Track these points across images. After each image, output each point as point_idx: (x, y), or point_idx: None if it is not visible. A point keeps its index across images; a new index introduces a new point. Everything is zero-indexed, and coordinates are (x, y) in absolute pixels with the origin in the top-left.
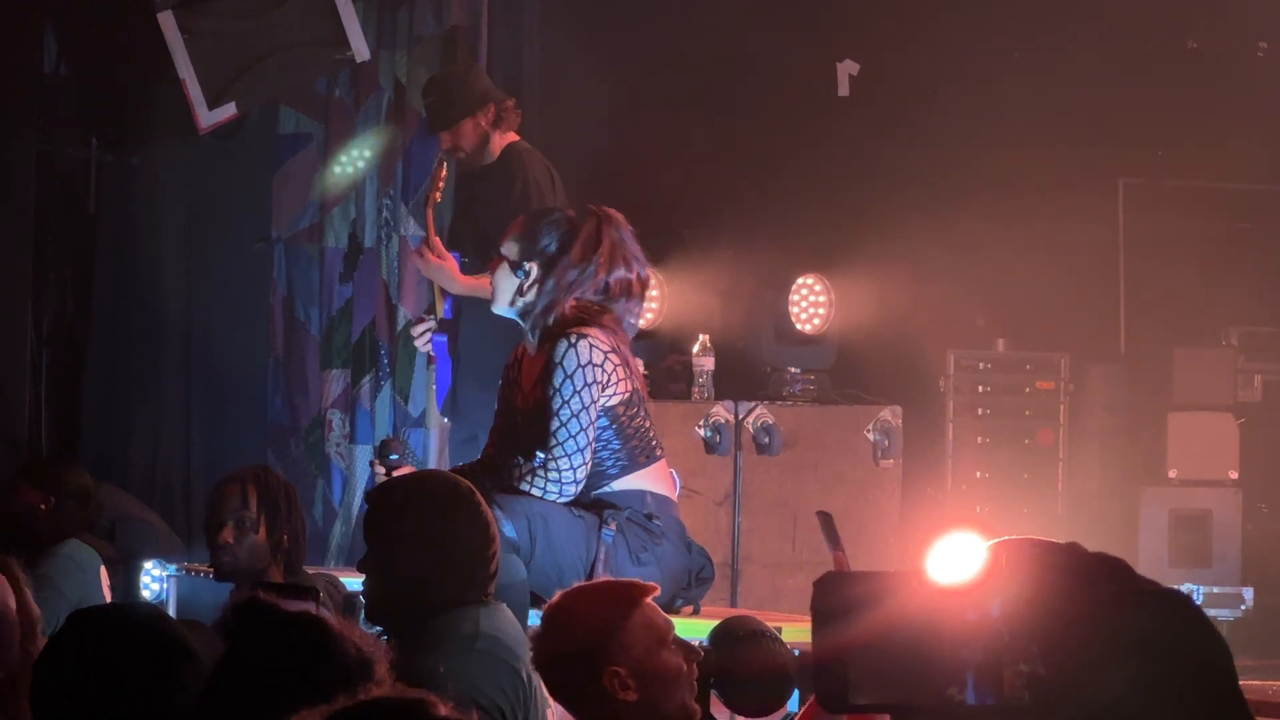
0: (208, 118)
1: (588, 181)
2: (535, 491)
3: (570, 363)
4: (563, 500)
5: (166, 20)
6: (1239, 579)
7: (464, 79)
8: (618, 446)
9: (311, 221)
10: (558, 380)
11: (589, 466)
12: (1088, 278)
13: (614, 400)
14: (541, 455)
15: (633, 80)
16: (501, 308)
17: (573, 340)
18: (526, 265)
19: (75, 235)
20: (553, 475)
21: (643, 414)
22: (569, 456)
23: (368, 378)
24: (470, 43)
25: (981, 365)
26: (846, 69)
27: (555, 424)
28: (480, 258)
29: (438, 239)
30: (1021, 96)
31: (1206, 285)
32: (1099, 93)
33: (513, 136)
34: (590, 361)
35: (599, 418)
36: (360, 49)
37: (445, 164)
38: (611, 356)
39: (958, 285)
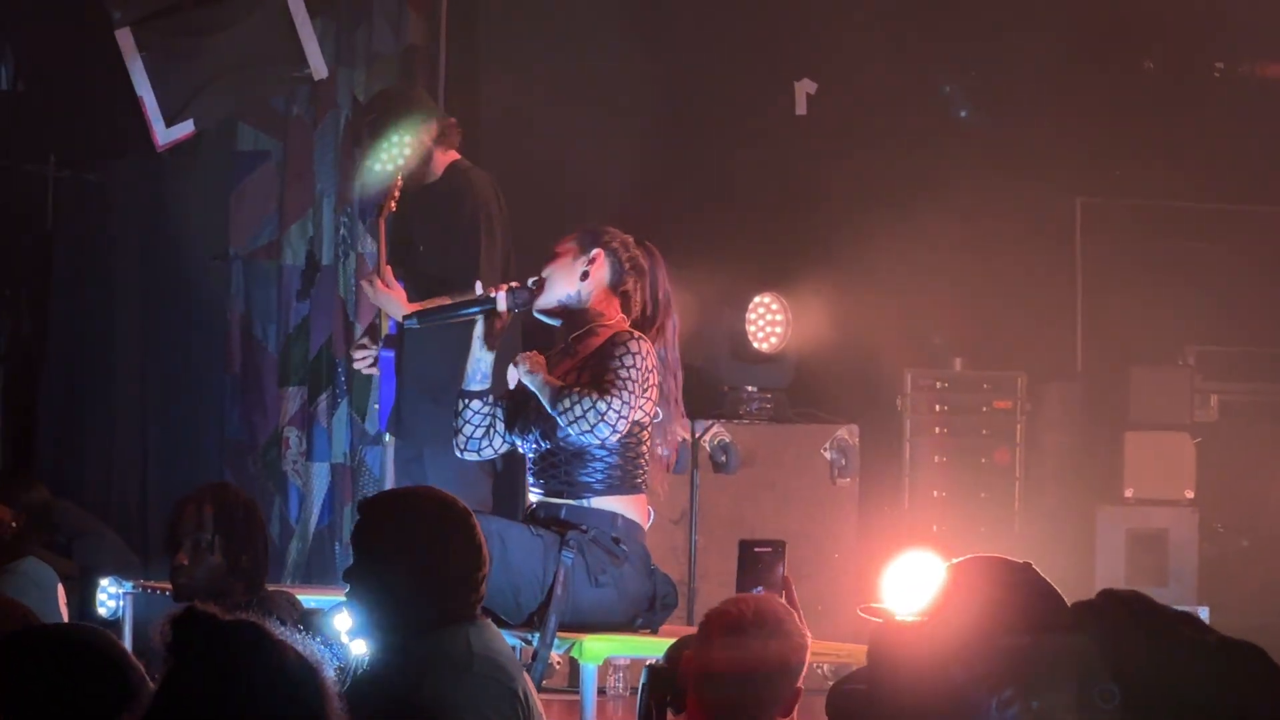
0: (165, 135)
1: (544, 201)
2: (578, 411)
3: (637, 349)
4: (595, 437)
5: (124, 37)
6: (1195, 598)
7: (406, 97)
8: (615, 462)
9: (269, 239)
10: (622, 355)
11: (627, 425)
12: (1045, 297)
13: (639, 415)
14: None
15: (590, 100)
16: (555, 297)
17: (638, 338)
18: (593, 251)
19: (32, 252)
20: (603, 408)
21: (646, 445)
22: (624, 402)
23: (325, 395)
24: (428, 62)
25: (939, 384)
26: (804, 88)
27: (617, 374)
28: (416, 276)
29: (389, 268)
30: (978, 115)
31: (1163, 305)
32: (1056, 112)
33: (454, 155)
34: (648, 364)
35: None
36: (318, 67)
37: (399, 176)
38: (652, 375)
39: (915, 304)
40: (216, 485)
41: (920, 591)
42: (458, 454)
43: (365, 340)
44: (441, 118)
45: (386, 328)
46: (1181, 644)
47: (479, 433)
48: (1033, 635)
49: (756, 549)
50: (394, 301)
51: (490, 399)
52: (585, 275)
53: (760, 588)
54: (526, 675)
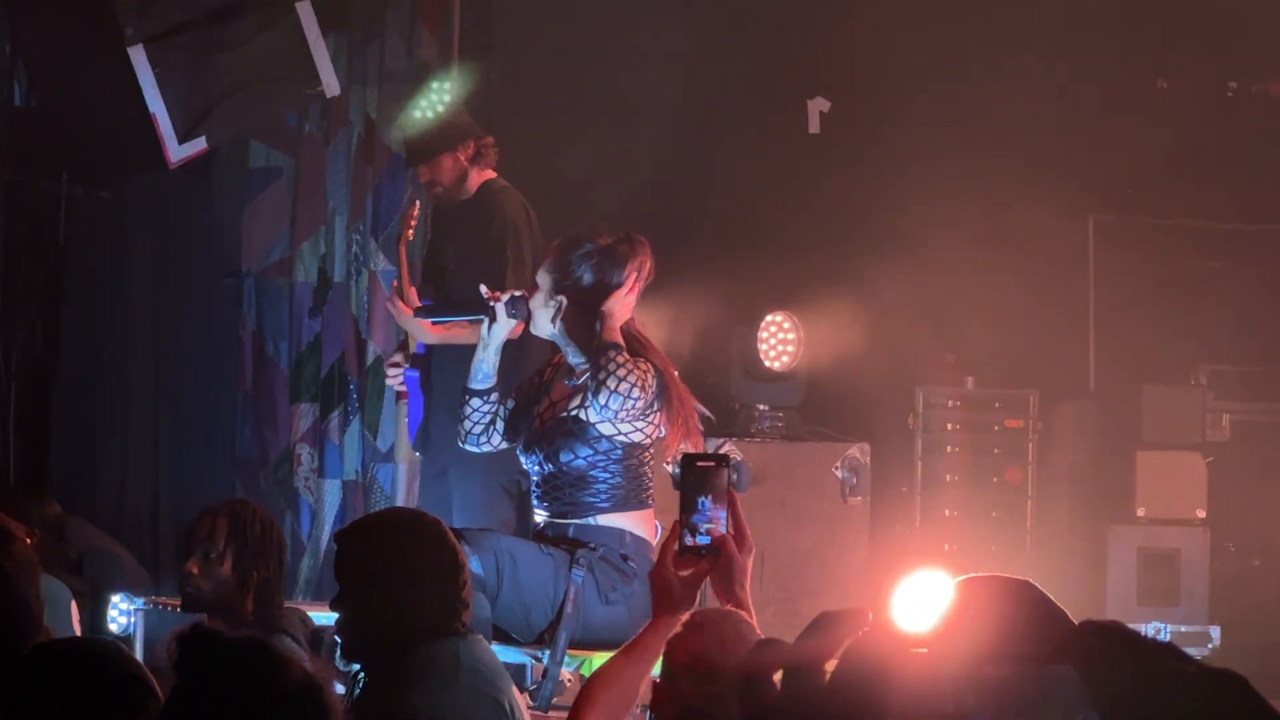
0: (178, 151)
1: (557, 217)
2: (595, 386)
3: (632, 379)
4: (603, 414)
5: (137, 54)
6: (1207, 618)
7: (447, 115)
8: (619, 481)
9: (281, 256)
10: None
11: (631, 409)
12: (1057, 315)
13: (638, 437)
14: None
15: (602, 117)
16: (541, 333)
17: (637, 367)
18: (559, 298)
19: (45, 268)
20: (614, 382)
21: (648, 466)
22: (629, 384)
23: (336, 412)
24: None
25: (950, 403)
26: (817, 106)
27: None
28: (447, 294)
29: (412, 289)
30: (992, 134)
31: (1176, 324)
32: (1070, 131)
33: (490, 174)
34: (638, 392)
35: (617, 440)
36: (331, 84)
37: (418, 202)
38: (647, 393)
39: (927, 323)
40: (236, 501)
41: (928, 611)
42: (460, 445)
43: (399, 358)
44: (479, 136)
45: (414, 347)
46: (1163, 674)
47: (478, 429)
48: (1017, 664)
49: (700, 463)
50: (416, 322)
51: (493, 398)
52: (555, 317)
53: (706, 498)
54: (515, 689)
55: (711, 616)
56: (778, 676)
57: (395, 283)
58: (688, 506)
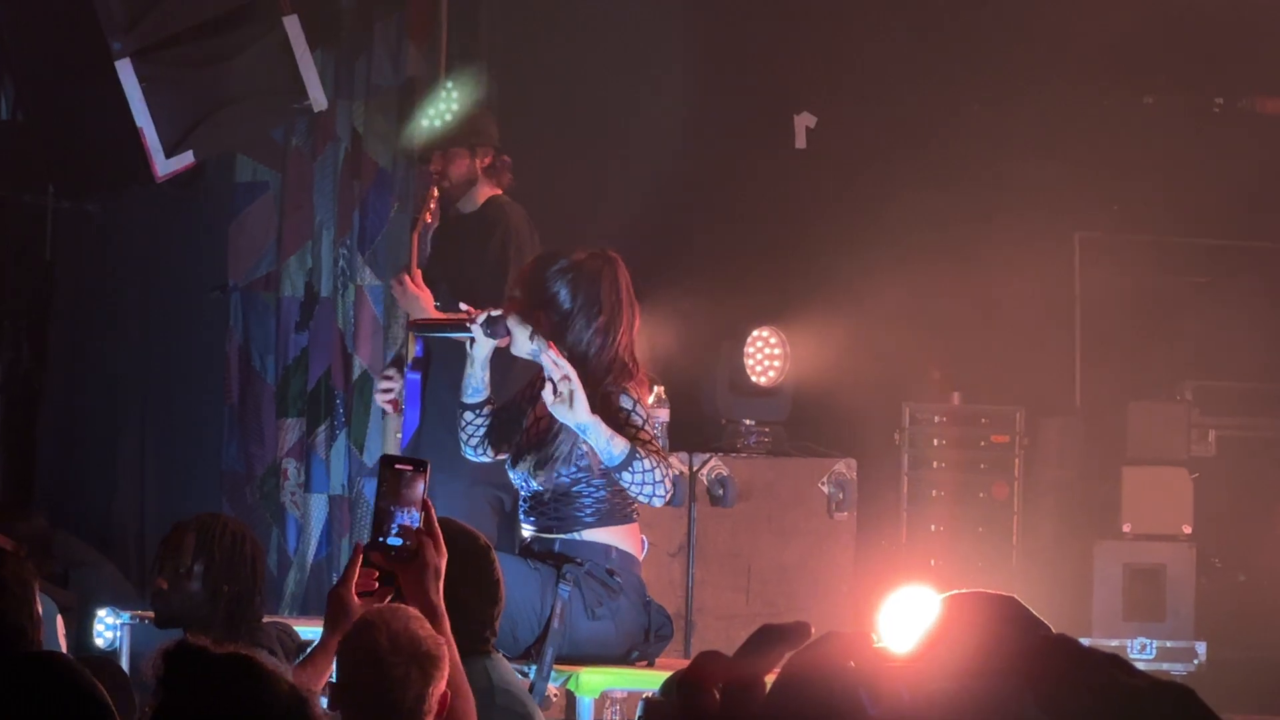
0: (165, 166)
1: (542, 233)
2: (643, 479)
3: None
4: (653, 503)
5: (124, 68)
6: (1193, 633)
7: (478, 115)
8: (603, 496)
9: (268, 270)
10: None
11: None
12: (1043, 331)
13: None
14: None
15: (589, 133)
16: (520, 352)
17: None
18: (535, 314)
19: (31, 282)
20: (659, 476)
21: None
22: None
23: (323, 427)
24: (427, 94)
25: (936, 418)
26: (804, 121)
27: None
28: (450, 303)
29: (419, 271)
30: (977, 150)
31: (1161, 339)
32: (1055, 147)
33: (498, 191)
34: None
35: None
36: (318, 99)
37: (435, 188)
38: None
39: (913, 338)
40: (206, 515)
41: (912, 628)
42: (464, 452)
43: (391, 372)
44: (499, 151)
45: (414, 350)
46: (1113, 687)
47: (474, 440)
48: (965, 680)
49: (398, 465)
50: (420, 303)
51: (485, 410)
52: (532, 337)
53: (400, 506)
54: (538, 707)
55: (383, 614)
56: (717, 690)
57: (403, 269)
58: (382, 511)
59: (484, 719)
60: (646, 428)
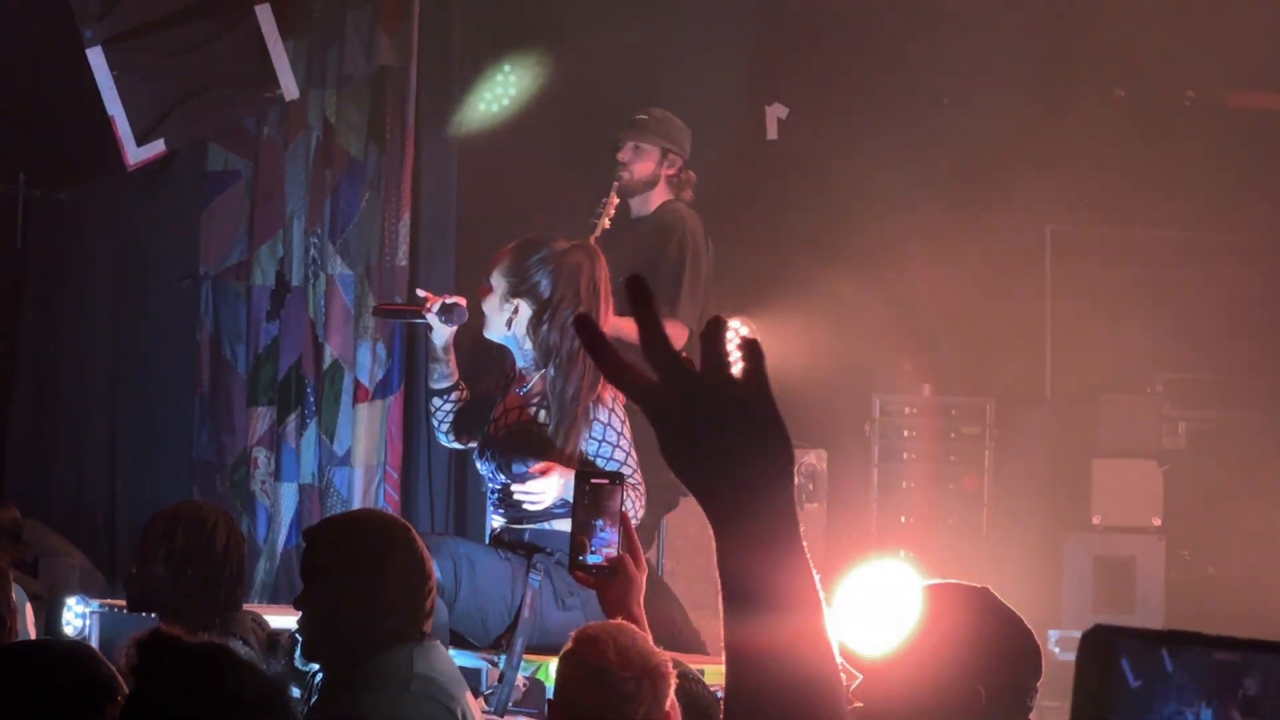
0: (136, 154)
1: (514, 224)
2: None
3: (616, 425)
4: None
5: (95, 56)
6: (1162, 625)
7: (680, 125)
8: None
9: (239, 259)
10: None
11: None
12: (1014, 324)
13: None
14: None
15: (561, 123)
16: (493, 336)
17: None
18: (513, 300)
19: (2, 271)
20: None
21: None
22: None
23: (293, 415)
24: (399, 84)
25: (907, 410)
26: (775, 113)
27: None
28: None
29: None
30: (949, 142)
31: (1132, 332)
32: (1027, 140)
33: (672, 197)
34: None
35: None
36: (289, 88)
37: (614, 193)
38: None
39: (884, 330)
40: (186, 502)
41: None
42: (436, 437)
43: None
44: (687, 164)
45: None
46: None
47: (445, 426)
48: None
49: (594, 480)
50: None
51: (453, 396)
52: (510, 324)
53: (601, 520)
54: (470, 696)
55: (607, 629)
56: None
57: None
58: (582, 527)
59: (398, 708)
60: (616, 453)
